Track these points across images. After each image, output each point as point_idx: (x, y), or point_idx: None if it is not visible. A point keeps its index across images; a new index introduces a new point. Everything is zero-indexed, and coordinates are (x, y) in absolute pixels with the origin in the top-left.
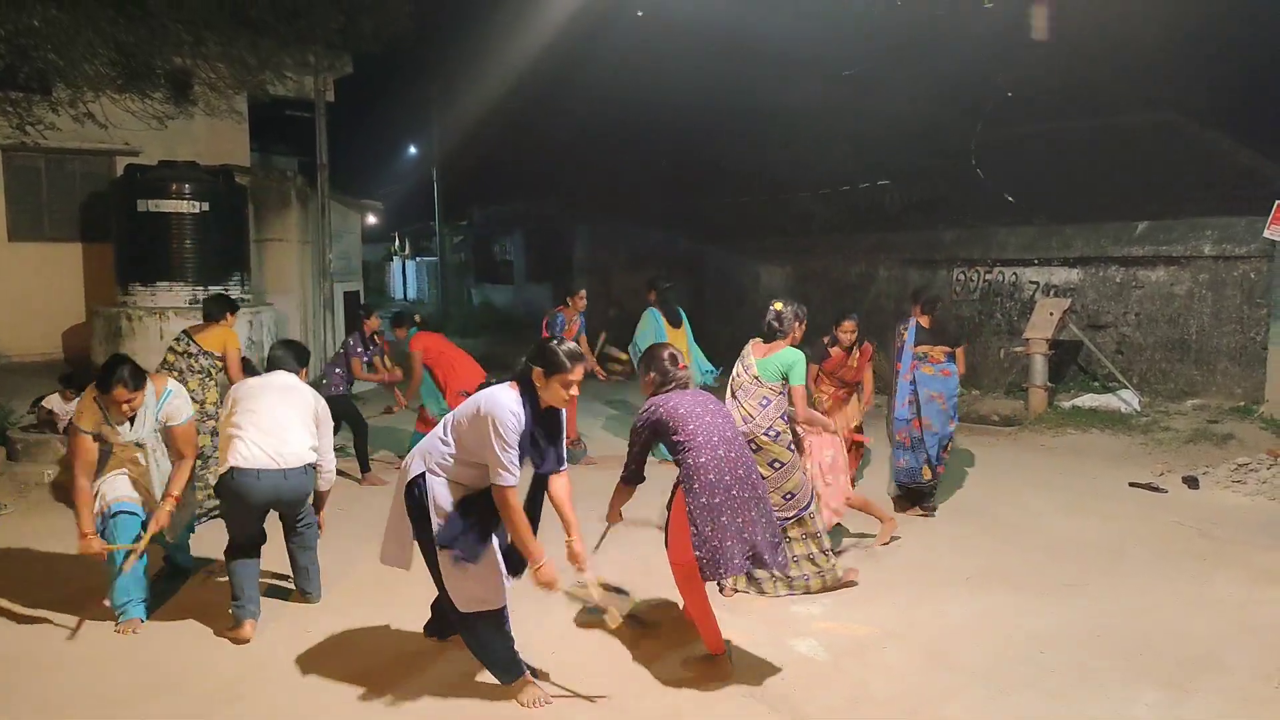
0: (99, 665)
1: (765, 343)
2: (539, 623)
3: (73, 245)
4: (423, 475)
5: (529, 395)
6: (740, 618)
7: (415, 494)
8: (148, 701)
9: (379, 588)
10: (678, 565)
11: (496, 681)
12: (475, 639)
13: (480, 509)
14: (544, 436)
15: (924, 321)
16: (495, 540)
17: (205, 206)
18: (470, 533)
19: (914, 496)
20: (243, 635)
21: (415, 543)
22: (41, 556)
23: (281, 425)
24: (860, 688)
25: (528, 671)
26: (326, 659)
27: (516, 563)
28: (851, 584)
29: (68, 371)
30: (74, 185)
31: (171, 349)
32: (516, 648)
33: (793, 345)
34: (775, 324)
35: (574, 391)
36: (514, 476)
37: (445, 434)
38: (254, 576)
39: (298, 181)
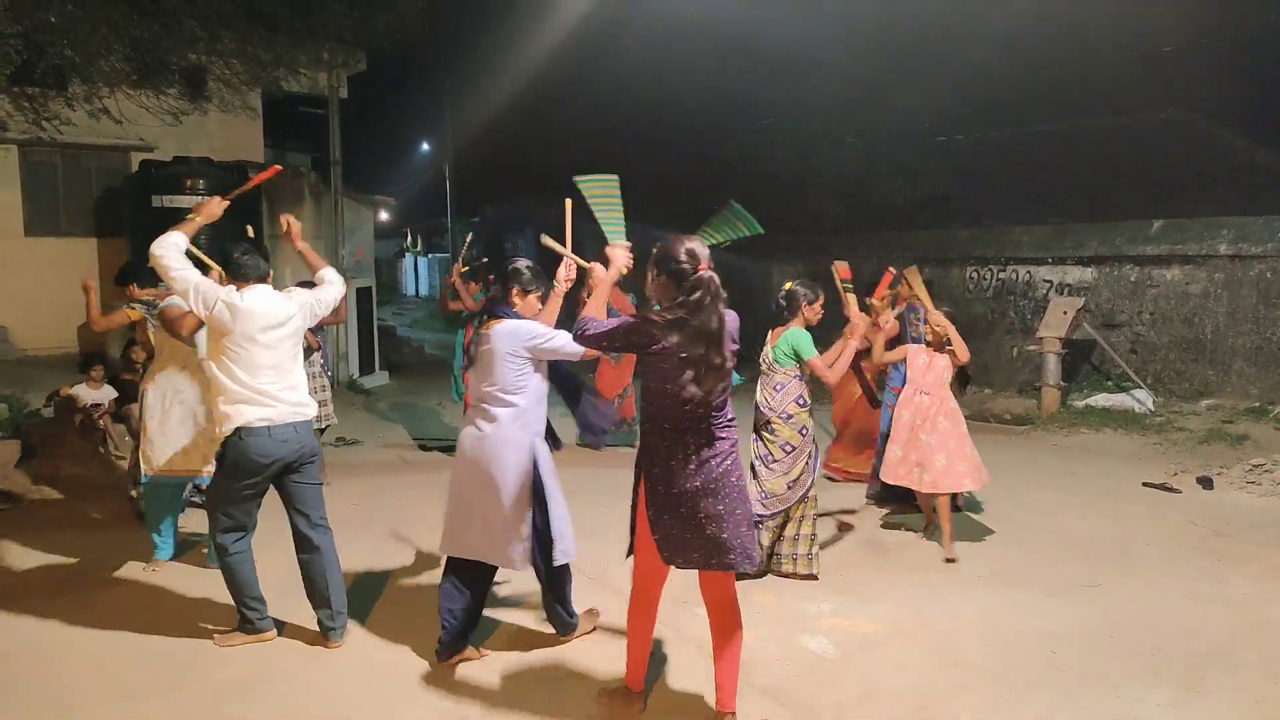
0: (109, 658)
1: (777, 326)
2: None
3: (88, 240)
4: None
5: (510, 313)
6: (749, 614)
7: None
8: (158, 697)
9: (386, 582)
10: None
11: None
12: (565, 586)
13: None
14: None
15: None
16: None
17: None
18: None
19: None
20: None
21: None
22: (54, 550)
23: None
24: (870, 685)
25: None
26: (338, 651)
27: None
28: (812, 578)
29: (92, 354)
30: (89, 181)
31: None
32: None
33: (803, 326)
34: (782, 303)
35: (539, 308)
36: (576, 340)
37: (513, 396)
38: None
39: (311, 178)
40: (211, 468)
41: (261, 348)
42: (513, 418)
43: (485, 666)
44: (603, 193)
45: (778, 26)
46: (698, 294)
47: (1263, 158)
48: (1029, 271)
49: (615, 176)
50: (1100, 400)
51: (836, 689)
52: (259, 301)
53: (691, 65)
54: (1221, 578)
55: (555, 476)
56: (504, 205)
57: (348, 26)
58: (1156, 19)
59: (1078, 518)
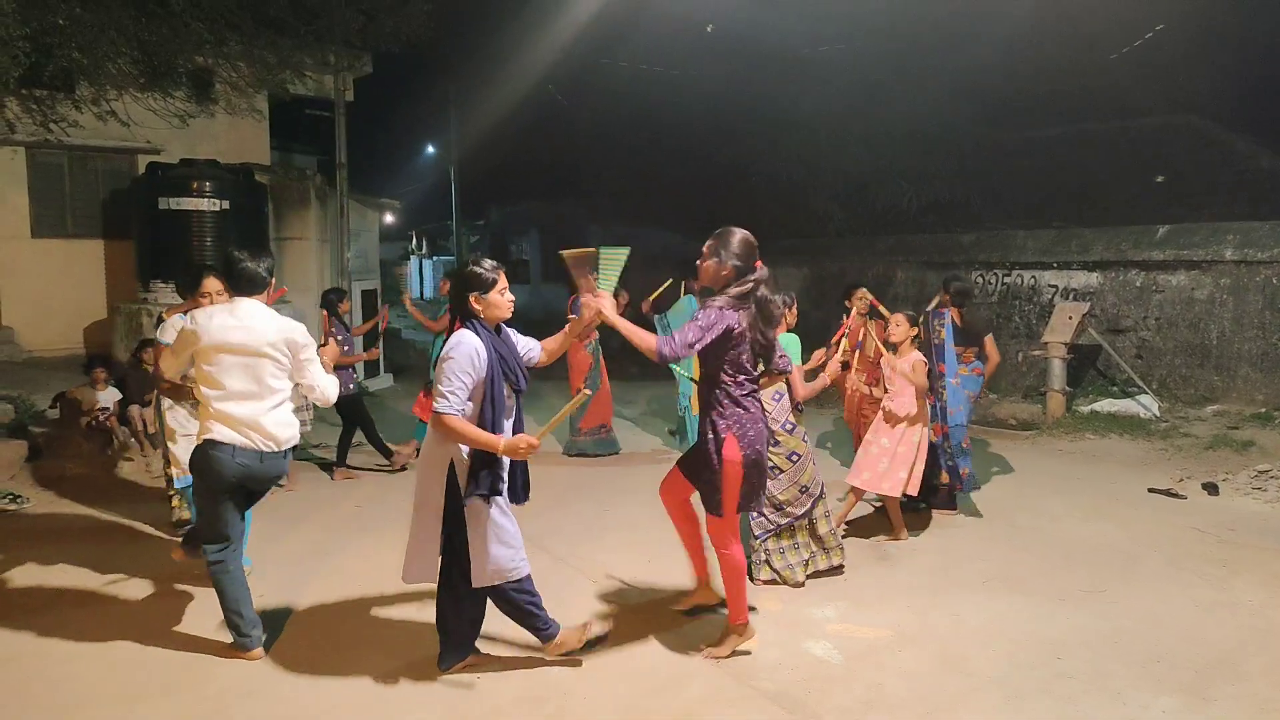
0: (111, 663)
1: None
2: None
3: (95, 242)
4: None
5: (477, 325)
6: (753, 620)
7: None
8: (160, 698)
9: (392, 585)
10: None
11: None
12: (509, 606)
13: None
14: (509, 355)
15: (955, 317)
16: (510, 513)
17: (226, 205)
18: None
19: (939, 500)
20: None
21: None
22: (58, 553)
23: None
24: (874, 691)
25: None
26: (342, 655)
27: (521, 489)
28: (839, 569)
29: (96, 356)
30: (96, 183)
31: None
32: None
33: (786, 330)
34: None
35: (509, 296)
36: (451, 407)
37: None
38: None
39: (317, 180)
40: None
41: (230, 368)
42: (440, 432)
43: (489, 675)
44: (613, 260)
45: (782, 30)
46: (763, 289)
47: (1268, 162)
48: (1034, 276)
49: (628, 249)
50: (1105, 405)
51: (841, 694)
52: (234, 318)
53: (696, 68)
54: (1227, 584)
55: (493, 505)
56: (508, 208)
57: (354, 30)
58: (1161, 23)
59: (1082, 523)
